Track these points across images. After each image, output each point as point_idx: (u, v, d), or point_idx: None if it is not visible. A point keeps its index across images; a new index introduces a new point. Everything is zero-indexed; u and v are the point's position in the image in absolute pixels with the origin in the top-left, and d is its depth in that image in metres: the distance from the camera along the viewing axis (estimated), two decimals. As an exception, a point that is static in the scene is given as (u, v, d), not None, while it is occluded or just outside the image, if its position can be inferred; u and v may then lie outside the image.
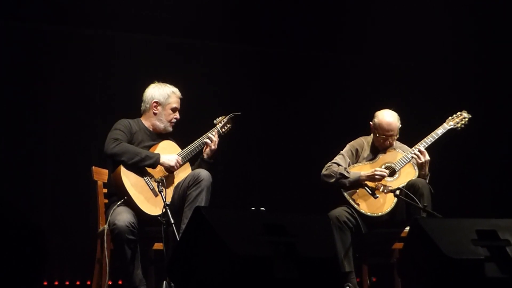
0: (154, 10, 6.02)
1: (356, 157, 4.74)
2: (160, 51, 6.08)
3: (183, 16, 6.07)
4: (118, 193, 4.17)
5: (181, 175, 4.31)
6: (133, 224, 3.98)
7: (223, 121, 4.56)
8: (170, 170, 4.28)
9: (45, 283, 5.54)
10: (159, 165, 4.24)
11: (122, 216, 3.98)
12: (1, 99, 5.61)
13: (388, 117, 4.66)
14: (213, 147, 4.40)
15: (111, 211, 4.05)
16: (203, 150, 4.43)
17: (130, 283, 4.01)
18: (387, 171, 4.56)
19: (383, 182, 4.55)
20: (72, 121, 5.86)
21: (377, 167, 4.59)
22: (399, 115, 4.72)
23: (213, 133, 4.44)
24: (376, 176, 4.52)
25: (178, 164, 4.27)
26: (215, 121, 4.55)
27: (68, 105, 5.87)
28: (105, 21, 5.88)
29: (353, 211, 4.48)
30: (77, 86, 5.89)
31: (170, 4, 5.98)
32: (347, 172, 4.58)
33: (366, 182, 4.56)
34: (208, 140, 4.39)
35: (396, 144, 4.76)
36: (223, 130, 4.53)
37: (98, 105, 5.98)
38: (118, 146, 4.18)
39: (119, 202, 4.11)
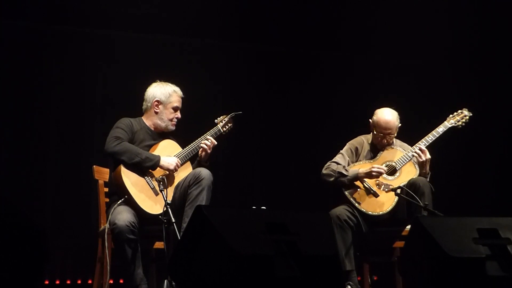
0: (156, 9, 6.01)
1: (356, 156, 4.74)
2: (161, 50, 6.08)
3: (184, 15, 6.07)
4: (119, 192, 4.17)
5: (181, 174, 4.31)
6: (133, 224, 3.98)
7: (224, 120, 4.56)
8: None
9: (47, 282, 5.55)
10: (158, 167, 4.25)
11: (122, 216, 3.98)
12: (1, 99, 5.62)
13: (387, 115, 4.65)
14: (208, 151, 4.40)
15: (112, 211, 4.06)
16: (199, 153, 4.42)
17: (131, 282, 4.01)
18: (385, 168, 4.56)
19: (384, 180, 4.55)
20: (73, 120, 5.87)
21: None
22: (400, 113, 4.71)
23: (209, 136, 4.43)
24: (373, 173, 4.52)
25: (177, 167, 4.27)
26: (216, 120, 4.56)
27: (69, 104, 5.88)
28: (107, 21, 5.88)
29: (354, 210, 4.48)
30: (78, 85, 5.90)
31: (171, 3, 5.98)
32: (346, 170, 4.58)
33: (365, 179, 4.55)
34: (204, 145, 4.39)
35: (397, 142, 4.76)
36: (224, 129, 4.54)
37: (99, 104, 5.99)
38: (119, 145, 4.18)
39: (120, 201, 4.11)
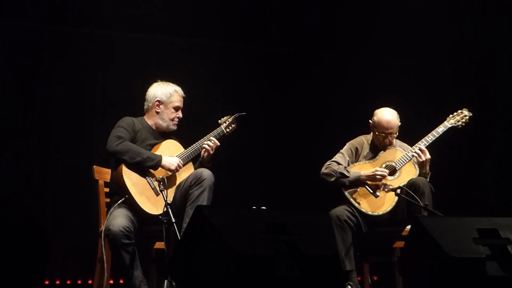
0: (156, 9, 6.01)
1: (356, 156, 4.74)
2: (161, 50, 6.07)
3: (184, 15, 6.08)
4: (120, 191, 4.17)
5: (183, 175, 4.30)
6: (127, 228, 3.96)
7: (228, 121, 4.56)
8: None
9: (47, 282, 5.55)
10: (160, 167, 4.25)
11: (117, 221, 3.97)
12: (1, 99, 5.62)
13: (387, 115, 4.66)
14: (211, 152, 4.40)
15: (108, 215, 4.06)
16: (201, 154, 4.43)
17: (131, 285, 4.01)
18: (387, 171, 4.57)
19: (383, 180, 4.55)
20: (73, 120, 5.86)
21: (378, 166, 4.59)
22: (400, 113, 4.72)
23: (212, 137, 4.43)
24: (377, 176, 4.52)
25: (178, 167, 4.27)
26: (219, 120, 4.56)
27: (69, 104, 5.87)
28: (107, 21, 5.88)
29: (354, 210, 4.48)
30: (78, 85, 5.90)
31: (171, 3, 5.98)
32: (347, 171, 4.58)
33: (367, 181, 4.56)
34: (206, 146, 4.39)
35: (397, 142, 4.76)
36: (228, 130, 4.54)
37: (99, 104, 5.99)
38: (121, 144, 4.18)
39: (120, 201, 4.11)
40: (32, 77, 5.76)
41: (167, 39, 6.18)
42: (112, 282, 4.33)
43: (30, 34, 5.77)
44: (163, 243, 3.91)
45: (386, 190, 4.51)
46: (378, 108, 4.75)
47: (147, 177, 4.22)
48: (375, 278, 5.15)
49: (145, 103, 4.47)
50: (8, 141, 5.64)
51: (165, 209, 3.96)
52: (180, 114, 4.45)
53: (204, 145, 4.39)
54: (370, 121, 4.73)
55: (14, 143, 5.66)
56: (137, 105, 4.53)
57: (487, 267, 2.99)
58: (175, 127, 4.45)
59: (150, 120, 4.44)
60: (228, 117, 4.59)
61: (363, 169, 4.61)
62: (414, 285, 3.31)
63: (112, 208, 4.08)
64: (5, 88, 5.63)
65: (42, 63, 5.81)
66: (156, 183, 4.18)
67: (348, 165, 4.66)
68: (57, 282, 5.67)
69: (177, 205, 4.17)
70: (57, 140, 5.84)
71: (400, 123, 4.69)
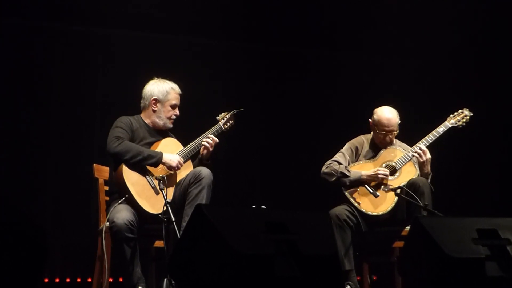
0: (156, 8, 6.01)
1: (356, 155, 4.74)
2: (163, 50, 6.07)
3: (184, 14, 6.07)
4: (120, 191, 4.17)
5: (183, 173, 4.31)
6: (132, 222, 3.97)
7: (226, 117, 4.56)
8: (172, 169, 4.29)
9: (46, 280, 5.56)
10: (161, 164, 4.24)
11: (121, 214, 3.98)
12: (1, 98, 5.61)
13: (387, 113, 4.67)
14: (210, 149, 4.40)
15: (111, 209, 4.06)
16: (200, 151, 4.42)
17: (129, 281, 4.01)
18: (388, 171, 4.56)
19: (383, 180, 4.55)
20: (73, 118, 5.87)
21: (378, 166, 4.59)
22: (400, 113, 4.72)
23: (211, 134, 4.43)
24: (379, 176, 4.52)
25: (179, 164, 4.27)
26: (217, 117, 4.56)
27: (69, 102, 5.88)
28: (107, 20, 5.88)
29: (354, 209, 4.48)
30: (78, 84, 5.90)
31: (171, 2, 5.98)
32: (348, 171, 4.58)
33: (368, 181, 4.55)
34: (205, 143, 4.39)
35: (397, 142, 4.77)
36: (226, 126, 4.54)
37: (99, 103, 5.99)
38: (121, 145, 4.17)
39: (121, 200, 4.11)
40: (32, 77, 5.76)
41: (167, 39, 6.18)
42: (111, 280, 4.33)
43: (30, 33, 5.77)
44: (162, 241, 3.91)
45: (386, 190, 4.51)
46: (378, 107, 4.75)
47: (147, 176, 4.22)
48: (374, 278, 5.15)
49: (142, 101, 4.46)
50: (8, 141, 5.64)
51: (164, 207, 3.96)
52: (177, 111, 4.44)
53: (203, 143, 4.39)
54: (370, 119, 4.74)
55: (14, 143, 5.66)
56: (136, 104, 4.53)
57: (487, 268, 2.99)
58: (171, 125, 4.44)
59: (147, 118, 4.43)
60: (226, 113, 4.59)
61: (363, 168, 4.61)
62: (413, 285, 3.31)
63: (113, 206, 4.07)
64: (5, 88, 5.63)
65: (42, 63, 5.81)
66: (156, 182, 4.18)
67: (348, 164, 4.66)
68: (57, 280, 5.67)
69: (177, 204, 4.18)
70: (57, 139, 5.84)
71: (400, 121, 4.69)
